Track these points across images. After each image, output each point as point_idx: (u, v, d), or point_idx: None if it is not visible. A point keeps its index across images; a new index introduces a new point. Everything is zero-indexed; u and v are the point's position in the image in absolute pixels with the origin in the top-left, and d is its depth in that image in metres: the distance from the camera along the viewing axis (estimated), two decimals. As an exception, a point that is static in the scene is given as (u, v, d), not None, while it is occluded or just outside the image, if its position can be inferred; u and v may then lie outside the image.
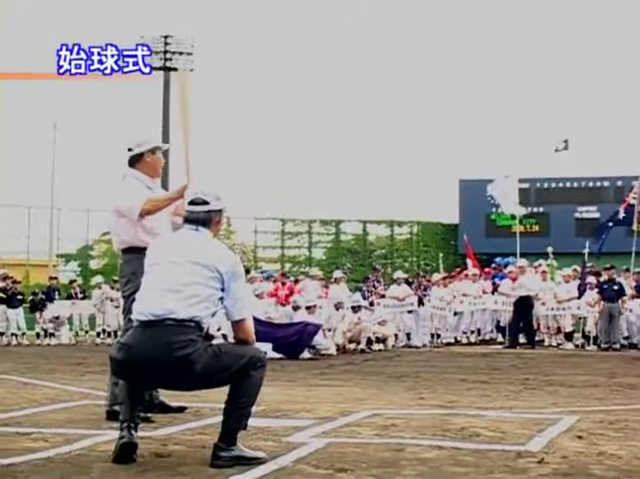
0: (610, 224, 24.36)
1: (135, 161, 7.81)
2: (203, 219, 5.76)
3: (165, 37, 49.59)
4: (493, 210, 40.85)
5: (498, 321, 23.24)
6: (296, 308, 19.02)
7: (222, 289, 5.55)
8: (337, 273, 24.03)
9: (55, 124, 43.38)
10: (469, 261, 25.06)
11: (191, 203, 5.80)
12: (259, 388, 5.55)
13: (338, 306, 20.28)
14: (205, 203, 5.77)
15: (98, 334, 24.49)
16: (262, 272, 23.89)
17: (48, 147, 42.95)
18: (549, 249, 23.76)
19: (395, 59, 71.71)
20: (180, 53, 50.19)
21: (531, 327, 21.61)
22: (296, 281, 23.15)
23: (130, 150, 7.79)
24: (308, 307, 18.73)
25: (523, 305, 21.43)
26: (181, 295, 5.44)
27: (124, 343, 5.55)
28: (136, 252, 7.42)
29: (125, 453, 5.46)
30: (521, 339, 22.11)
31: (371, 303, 22.02)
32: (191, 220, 5.77)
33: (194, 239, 5.72)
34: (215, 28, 68.82)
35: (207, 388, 5.67)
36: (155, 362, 5.36)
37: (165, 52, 49.75)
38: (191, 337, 5.42)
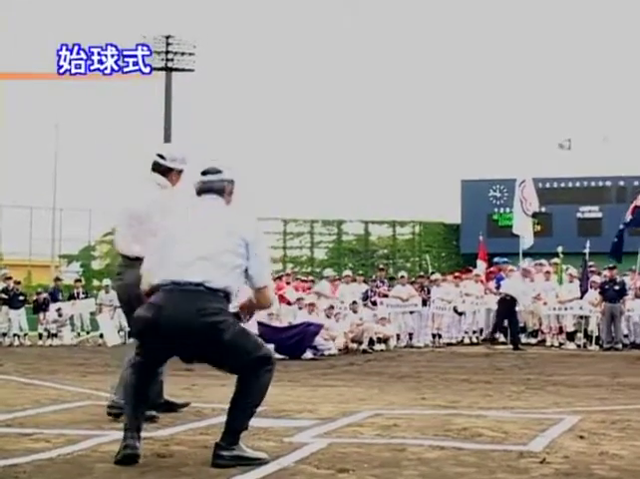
0: (621, 226, 24.36)
1: (163, 170, 7.62)
2: (218, 188, 5.75)
3: (167, 37, 49.55)
4: (495, 210, 40.85)
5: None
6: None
7: (247, 258, 5.54)
8: (327, 272, 24.10)
9: (57, 124, 43.37)
10: (480, 263, 24.98)
11: (205, 172, 5.78)
12: (266, 391, 5.53)
13: (354, 308, 20.38)
14: (219, 172, 5.78)
15: (100, 336, 24.46)
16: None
17: (50, 147, 42.93)
18: (559, 249, 23.75)
19: (396, 59, 71.69)
20: (182, 53, 50.18)
21: (515, 329, 21.41)
22: (303, 281, 23.27)
23: (161, 157, 7.60)
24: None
25: (504, 306, 21.34)
26: (214, 263, 5.43)
27: (154, 303, 5.48)
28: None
29: (127, 462, 5.43)
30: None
31: (374, 303, 22.02)
32: (206, 189, 5.75)
33: (216, 207, 5.72)
34: (217, 28, 68.82)
35: (221, 366, 5.61)
36: (183, 325, 5.31)
37: (167, 52, 49.73)
38: (222, 306, 5.43)
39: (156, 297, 5.51)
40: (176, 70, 50.41)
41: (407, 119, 65.80)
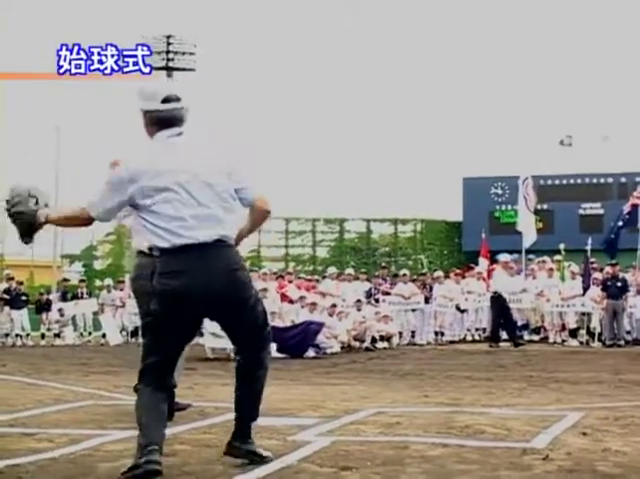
0: (620, 223, 24.33)
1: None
2: (182, 117, 5.28)
3: (168, 37, 49.60)
4: (497, 207, 40.86)
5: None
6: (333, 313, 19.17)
7: (239, 185, 5.25)
8: (330, 270, 24.15)
9: (59, 124, 43.35)
10: (482, 260, 24.96)
11: (166, 100, 5.23)
12: (267, 371, 5.46)
13: (357, 306, 20.39)
14: (179, 99, 5.28)
15: (103, 335, 24.48)
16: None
17: (52, 147, 42.93)
18: (561, 247, 23.73)
19: (398, 57, 71.73)
20: (183, 53, 50.19)
21: (510, 325, 21.35)
22: (307, 280, 23.33)
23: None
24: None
25: (495, 304, 21.30)
26: (219, 215, 5.12)
27: (175, 271, 5.06)
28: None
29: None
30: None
31: (377, 300, 22.03)
32: (169, 119, 5.23)
33: (190, 146, 5.24)
34: (218, 28, 68.84)
35: (235, 331, 5.37)
36: (215, 286, 5.05)
37: (168, 52, 49.76)
38: (241, 258, 5.29)
39: (167, 265, 5.11)
40: (177, 69, 50.44)
41: (408, 117, 65.85)
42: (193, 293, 5.05)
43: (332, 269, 24.41)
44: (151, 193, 5.12)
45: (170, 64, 49.58)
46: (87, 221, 5.48)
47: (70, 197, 46.52)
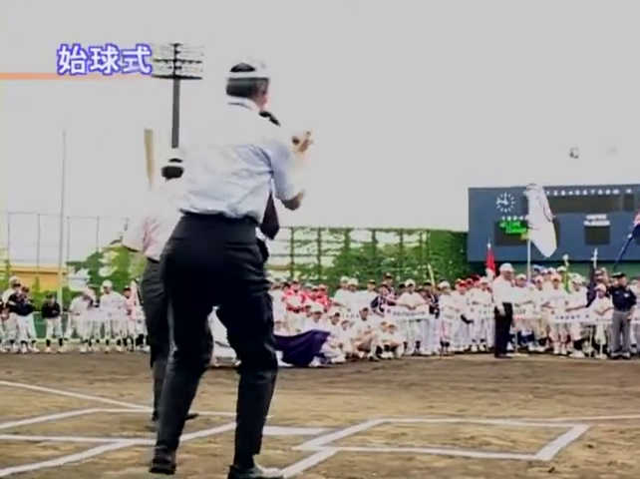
0: (630, 235, 24.38)
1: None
2: (248, 87, 5.16)
3: (175, 45, 49.70)
4: (503, 218, 40.81)
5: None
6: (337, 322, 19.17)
7: (271, 172, 5.05)
8: (344, 279, 24.24)
9: (64, 131, 43.40)
10: (489, 271, 24.93)
11: (235, 69, 5.16)
12: (270, 399, 5.17)
13: (363, 315, 20.38)
14: (251, 69, 5.17)
15: (107, 342, 24.50)
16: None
17: (57, 154, 42.98)
18: (565, 258, 23.72)
19: (404, 65, 71.73)
20: (190, 61, 50.30)
21: (503, 336, 21.34)
22: (314, 290, 23.39)
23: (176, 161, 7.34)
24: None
25: (499, 314, 21.29)
26: (233, 188, 4.93)
27: (172, 237, 5.04)
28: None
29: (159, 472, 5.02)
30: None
31: (382, 310, 22.04)
32: (234, 89, 5.17)
33: (238, 116, 5.13)
34: (225, 36, 68.87)
35: (234, 325, 5.07)
36: (205, 259, 4.88)
37: (175, 60, 49.90)
38: (248, 239, 4.98)
39: (175, 230, 5.08)
40: (184, 78, 50.54)
41: (414, 126, 65.79)
42: (183, 263, 4.94)
43: (345, 279, 24.48)
44: (187, 151, 5.22)
45: (178, 72, 49.67)
46: None
47: (76, 202, 46.65)
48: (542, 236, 25.00)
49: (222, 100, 5.30)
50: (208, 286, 4.97)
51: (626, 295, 20.97)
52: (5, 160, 58.08)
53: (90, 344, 24.23)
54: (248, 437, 5.13)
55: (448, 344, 22.67)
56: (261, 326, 5.08)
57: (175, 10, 67.65)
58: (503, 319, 21.11)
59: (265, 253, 5.16)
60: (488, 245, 26.92)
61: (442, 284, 24.14)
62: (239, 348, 5.18)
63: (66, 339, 24.48)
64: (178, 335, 5.17)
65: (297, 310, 20.62)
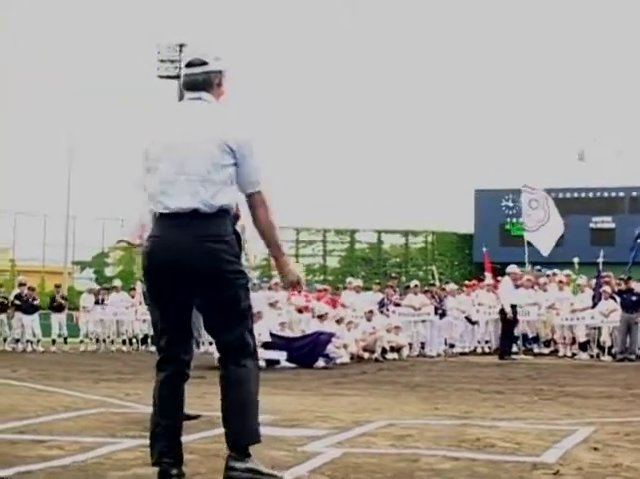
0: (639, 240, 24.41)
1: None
2: (203, 81, 5.20)
3: (181, 46, 49.70)
4: (508, 219, 40.79)
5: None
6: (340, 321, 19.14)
7: (235, 164, 5.07)
8: (350, 281, 24.29)
9: (71, 132, 43.51)
10: (488, 275, 24.90)
11: (189, 64, 5.24)
12: (257, 388, 5.16)
13: (368, 317, 20.36)
14: (204, 63, 5.22)
15: (111, 342, 24.52)
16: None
17: (64, 155, 43.08)
18: (575, 261, 23.73)
19: (409, 67, 71.76)
20: (196, 62, 50.22)
21: (508, 338, 21.31)
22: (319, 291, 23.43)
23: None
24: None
25: (504, 316, 21.27)
26: (204, 182, 4.98)
27: (149, 235, 5.14)
28: None
29: None
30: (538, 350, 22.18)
31: (387, 311, 22.06)
32: (191, 84, 5.22)
33: (199, 110, 5.17)
34: (230, 37, 68.92)
35: (213, 323, 5.13)
36: (182, 254, 4.94)
37: (181, 60, 49.85)
38: (225, 231, 5.04)
39: (152, 229, 5.17)
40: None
41: (420, 128, 65.79)
42: (162, 259, 5.00)
43: (351, 281, 24.51)
44: (149, 154, 5.16)
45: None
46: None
47: (82, 203, 46.68)
48: (540, 235, 24.95)
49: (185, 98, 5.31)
50: (188, 280, 5.00)
51: (634, 298, 20.91)
52: (11, 161, 58.19)
53: (97, 342, 24.28)
54: (238, 426, 5.12)
55: (452, 346, 22.66)
56: (241, 316, 5.11)
57: (181, 10, 67.72)
58: (511, 322, 21.09)
59: (240, 245, 5.21)
60: (485, 249, 26.92)
61: (448, 287, 24.13)
62: (219, 340, 5.18)
63: (81, 342, 24.49)
64: (160, 334, 5.18)
65: (301, 311, 20.63)
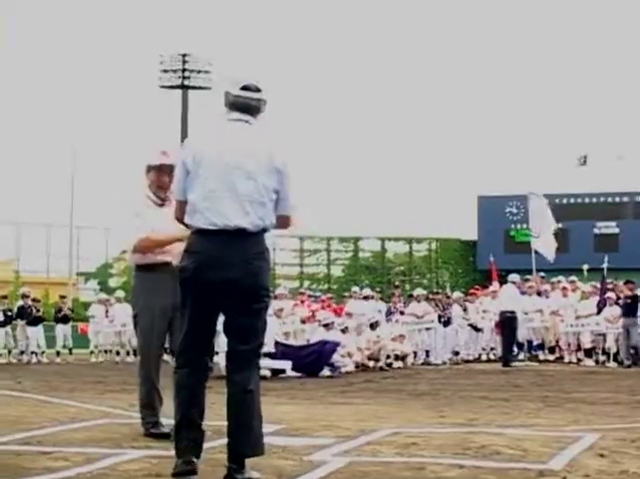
0: None
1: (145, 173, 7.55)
2: (256, 107, 5.49)
3: (184, 55, 49.80)
4: (512, 226, 40.76)
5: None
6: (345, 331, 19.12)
7: (278, 187, 5.40)
8: (355, 289, 24.29)
9: (74, 142, 43.57)
10: (495, 284, 24.86)
11: (245, 88, 5.46)
12: (259, 398, 5.40)
13: (373, 325, 20.32)
14: (259, 90, 5.51)
15: (117, 353, 24.53)
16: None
17: (67, 165, 43.11)
18: (585, 267, 23.75)
19: (411, 75, 71.83)
20: (198, 71, 50.36)
21: (509, 344, 21.28)
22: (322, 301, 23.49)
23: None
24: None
25: (503, 322, 21.25)
26: (253, 203, 5.28)
27: (193, 251, 5.34)
28: (144, 271, 7.45)
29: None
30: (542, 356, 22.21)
31: (391, 319, 22.07)
32: (243, 106, 5.46)
33: (248, 133, 5.45)
34: (233, 46, 69.03)
35: (234, 332, 5.40)
36: (227, 272, 5.23)
37: (184, 70, 49.95)
38: (264, 248, 5.38)
39: (192, 244, 5.40)
40: (193, 88, 50.58)
41: (424, 135, 65.91)
42: (209, 275, 5.26)
43: (357, 289, 24.51)
44: (194, 169, 5.37)
45: (186, 82, 49.80)
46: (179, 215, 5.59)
47: (86, 213, 46.73)
48: (543, 241, 24.99)
49: (226, 115, 5.51)
50: (229, 295, 5.30)
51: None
52: (15, 172, 58.28)
53: (106, 353, 24.30)
54: (243, 438, 5.30)
55: (458, 353, 22.64)
56: (261, 329, 5.48)
57: (184, 21, 67.83)
58: (511, 328, 21.07)
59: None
60: (491, 258, 26.92)
61: (455, 295, 24.12)
62: (234, 348, 5.41)
63: (92, 353, 24.48)
64: (190, 343, 5.43)
65: (304, 321, 20.66)
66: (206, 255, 5.27)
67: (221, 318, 5.51)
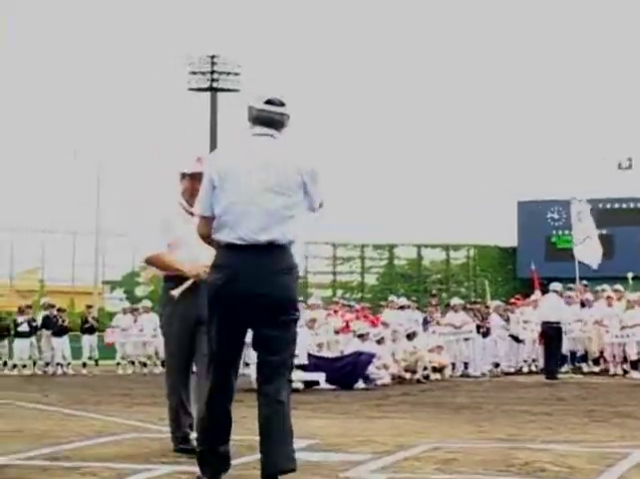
0: None
1: (180, 180, 7.68)
2: (280, 121, 5.61)
3: (212, 57, 49.88)
4: (554, 232, 40.53)
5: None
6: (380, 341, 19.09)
7: (305, 194, 5.55)
8: (392, 298, 24.27)
9: (99, 147, 43.81)
10: (537, 293, 24.71)
11: (269, 102, 5.57)
12: (287, 415, 5.45)
13: (410, 336, 20.29)
14: (283, 104, 5.62)
15: (144, 364, 24.60)
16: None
17: (93, 170, 43.34)
18: (629, 275, 23.57)
19: (448, 78, 71.68)
20: (227, 73, 50.42)
21: (554, 357, 21.12)
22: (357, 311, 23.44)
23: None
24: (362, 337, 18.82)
25: (547, 333, 21.11)
26: (280, 217, 5.40)
27: (221, 266, 5.45)
28: (170, 281, 7.49)
29: None
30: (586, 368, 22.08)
31: (427, 329, 22.04)
32: (267, 121, 5.57)
33: (273, 147, 5.56)
34: (262, 48, 69.24)
35: (264, 347, 5.49)
36: (258, 287, 5.34)
37: (212, 72, 50.02)
38: (293, 264, 5.49)
39: (220, 258, 5.50)
40: (222, 90, 50.67)
41: (462, 139, 65.74)
42: (238, 290, 5.37)
43: (394, 299, 24.47)
44: (221, 183, 5.48)
45: (215, 84, 49.92)
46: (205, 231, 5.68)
47: (112, 221, 46.97)
48: (586, 248, 24.82)
49: (250, 130, 5.64)
50: (260, 310, 5.40)
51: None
52: (38, 178, 58.65)
53: (133, 364, 24.40)
54: (275, 453, 5.35)
55: (498, 365, 22.53)
56: (292, 341, 5.58)
57: (212, 21, 68.10)
58: (552, 339, 20.96)
59: None
60: (532, 266, 26.76)
61: (494, 304, 24.01)
62: (265, 360, 5.50)
63: (118, 364, 24.59)
64: (217, 364, 5.58)
65: (338, 332, 20.65)
66: (235, 270, 5.38)
67: (249, 332, 5.62)
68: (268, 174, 5.43)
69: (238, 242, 5.39)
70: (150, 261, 7.48)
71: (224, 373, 5.57)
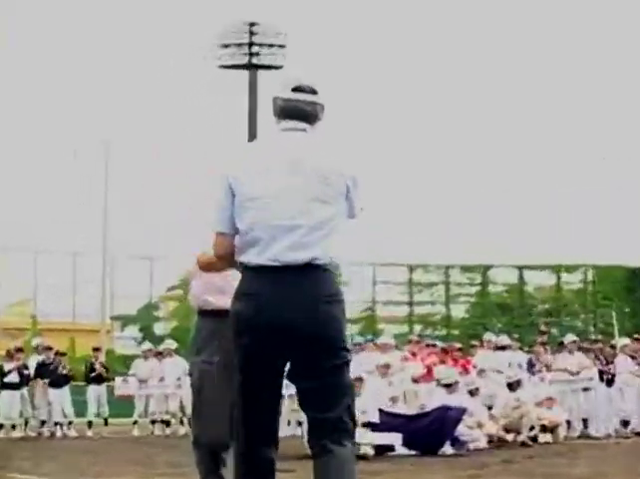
0: None
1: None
2: (310, 112, 5.65)
3: (251, 25, 49.44)
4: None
5: None
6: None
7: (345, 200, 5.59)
8: (489, 336, 24.22)
9: (107, 141, 43.99)
10: None
11: (297, 89, 5.64)
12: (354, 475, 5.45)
13: (511, 385, 20.24)
14: (314, 92, 5.67)
15: (167, 423, 24.60)
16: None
17: (100, 173, 43.60)
18: None
19: (532, 93, 72.11)
20: (270, 45, 50.00)
21: None
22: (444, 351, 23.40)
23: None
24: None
25: None
26: (319, 233, 5.44)
27: (250, 293, 5.46)
28: (203, 316, 7.59)
29: None
30: None
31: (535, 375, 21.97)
32: (295, 112, 5.64)
33: (309, 146, 5.60)
34: (311, 13, 69.49)
35: (314, 392, 5.48)
36: (296, 319, 5.35)
37: (251, 44, 49.50)
38: (337, 290, 5.51)
39: (246, 284, 5.51)
40: (262, 67, 50.41)
41: (577, 136, 65.68)
42: (270, 323, 5.36)
43: (490, 336, 24.41)
44: (244, 194, 5.50)
45: (254, 60, 49.62)
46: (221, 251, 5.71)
47: (123, 237, 47.26)
48: None
49: (277, 126, 5.69)
50: (294, 346, 5.40)
51: None
52: (31, 181, 59.25)
53: (153, 423, 24.46)
54: None
55: (627, 423, 22.35)
56: (346, 391, 5.52)
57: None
58: None
59: None
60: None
61: (621, 342, 23.83)
62: (316, 416, 5.48)
63: (135, 423, 24.69)
64: (249, 425, 5.53)
65: (417, 380, 20.59)
66: (267, 298, 5.39)
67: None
68: (306, 178, 5.45)
69: (270, 264, 5.40)
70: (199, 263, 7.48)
71: (258, 447, 5.52)
